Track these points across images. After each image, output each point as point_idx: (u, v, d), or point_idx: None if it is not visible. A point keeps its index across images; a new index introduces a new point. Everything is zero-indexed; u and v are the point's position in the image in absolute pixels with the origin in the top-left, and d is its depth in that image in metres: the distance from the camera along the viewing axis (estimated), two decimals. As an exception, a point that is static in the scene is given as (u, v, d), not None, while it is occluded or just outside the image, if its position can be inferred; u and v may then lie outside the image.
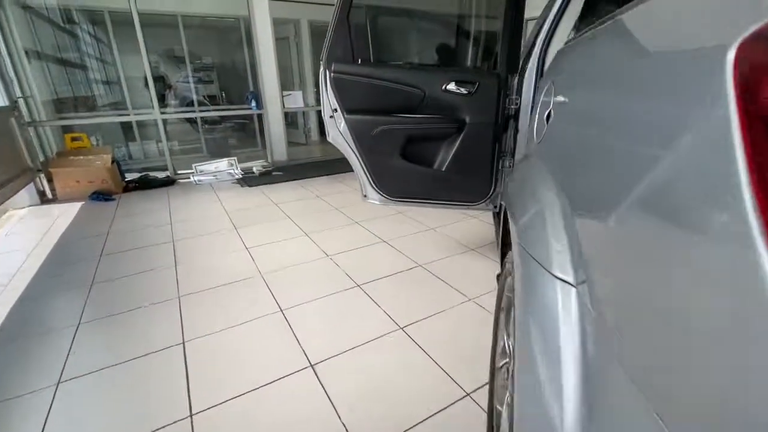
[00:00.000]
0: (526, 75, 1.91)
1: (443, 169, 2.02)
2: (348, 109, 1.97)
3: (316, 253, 2.56)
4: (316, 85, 7.04)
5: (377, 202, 2.22)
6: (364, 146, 2.03)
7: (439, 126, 1.94)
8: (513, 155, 2.06)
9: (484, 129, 1.91)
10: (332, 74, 1.90)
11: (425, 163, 2.07)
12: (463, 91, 1.86)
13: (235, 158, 4.95)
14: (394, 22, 2.64)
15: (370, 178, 2.13)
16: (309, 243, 2.72)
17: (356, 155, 2.09)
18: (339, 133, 2.07)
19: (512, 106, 1.95)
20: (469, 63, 2.81)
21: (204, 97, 8.00)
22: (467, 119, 1.91)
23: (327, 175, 4.76)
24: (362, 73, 1.88)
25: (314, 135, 7.44)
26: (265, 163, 5.29)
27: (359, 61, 1.90)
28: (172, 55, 7.80)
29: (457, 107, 1.90)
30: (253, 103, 4.93)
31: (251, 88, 6.06)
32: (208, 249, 2.66)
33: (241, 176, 4.71)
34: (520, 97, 1.94)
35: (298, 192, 4.05)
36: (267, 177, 4.67)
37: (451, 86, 1.86)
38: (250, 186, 4.29)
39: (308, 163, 5.54)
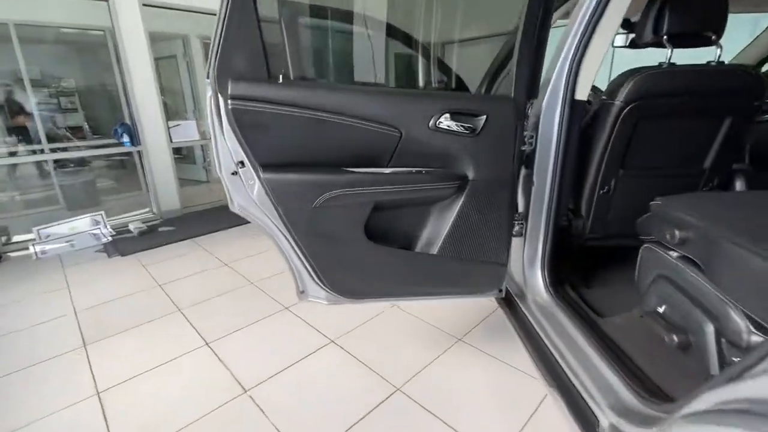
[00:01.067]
0: (545, 102, 1.26)
1: (434, 252, 1.25)
2: (266, 162, 1.10)
3: (224, 385, 1.58)
4: (216, 112, 5.88)
5: (325, 302, 1.36)
6: (300, 224, 1.17)
7: (426, 186, 1.17)
8: (526, 217, 1.38)
9: (497, 188, 1.19)
10: (231, 102, 1.02)
11: (404, 243, 1.28)
12: (464, 128, 1.12)
13: (103, 212, 3.63)
14: (325, 26, 1.85)
15: (311, 271, 1.27)
16: (212, 363, 1.72)
17: (286, 237, 1.22)
18: (252, 201, 1.19)
19: (525, 147, 1.27)
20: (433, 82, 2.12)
21: (66, 129, 6.31)
22: (470, 173, 1.17)
23: (236, 225, 3.70)
24: (290, 99, 1.04)
25: (217, 170, 6.20)
26: (149, 215, 4.03)
27: (281, 78, 1.06)
28: (17, 77, 6.03)
29: (454, 155, 1.15)
30: (126, 138, 3.70)
31: (126, 119, 4.73)
32: (26, 404, 1.51)
33: (111, 238, 3.42)
34: (537, 133, 1.27)
35: (195, 258, 2.95)
36: (150, 237, 3.45)
37: (445, 121, 1.11)
38: (123, 254, 3.06)
39: (211, 209, 4.39)
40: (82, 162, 5.01)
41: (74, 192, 4.60)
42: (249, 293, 2.35)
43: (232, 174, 1.19)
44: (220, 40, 0.99)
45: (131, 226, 3.57)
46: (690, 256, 0.92)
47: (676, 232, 0.94)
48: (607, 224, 1.42)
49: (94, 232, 3.53)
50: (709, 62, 1.23)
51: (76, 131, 6.05)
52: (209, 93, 1.10)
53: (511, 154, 1.16)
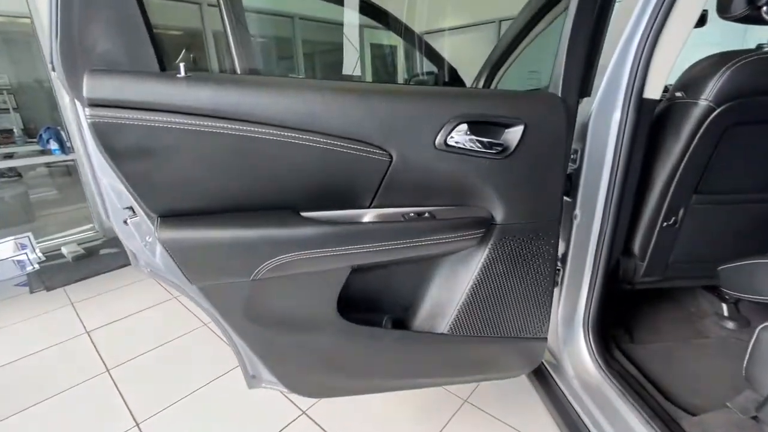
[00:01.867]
0: (596, 103, 0.87)
1: (443, 330, 0.85)
2: (167, 210, 0.67)
3: (151, 501, 1.14)
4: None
5: (285, 390, 0.94)
6: (233, 306, 0.74)
7: (431, 240, 0.76)
8: (563, 261, 1.00)
9: (538, 235, 0.80)
10: (90, 111, 0.58)
11: (396, 315, 0.87)
12: (489, 146, 0.72)
13: (30, 234, 3.06)
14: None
15: (262, 360, 0.85)
16: (139, 460, 1.28)
17: (217, 318, 0.79)
18: (160, 264, 0.75)
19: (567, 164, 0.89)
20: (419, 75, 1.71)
21: (-3, 132, 5.56)
22: (498, 214, 0.78)
23: (194, 243, 3.20)
24: (203, 105, 0.61)
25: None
26: (90, 233, 3.47)
27: (183, 69, 0.62)
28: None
29: (473, 187, 0.75)
30: (54, 145, 3.13)
31: (63, 122, 4.10)
32: None
33: (38, 266, 2.86)
34: (583, 145, 0.89)
35: (138, 290, 2.46)
36: (88, 262, 2.92)
37: (458, 135, 0.70)
38: (49, 288, 2.53)
39: (166, 223, 3.85)
40: (11, 171, 4.33)
41: (5, 207, 3.96)
42: (200, 341, 1.90)
43: (123, 222, 0.75)
44: (57, 1, 0.54)
45: (64, 250, 3.02)
46: None
47: None
48: (668, 266, 1.06)
49: (18, 258, 2.95)
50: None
51: (7, 134, 5.33)
52: (68, 100, 0.66)
53: (560, 181, 0.77)
